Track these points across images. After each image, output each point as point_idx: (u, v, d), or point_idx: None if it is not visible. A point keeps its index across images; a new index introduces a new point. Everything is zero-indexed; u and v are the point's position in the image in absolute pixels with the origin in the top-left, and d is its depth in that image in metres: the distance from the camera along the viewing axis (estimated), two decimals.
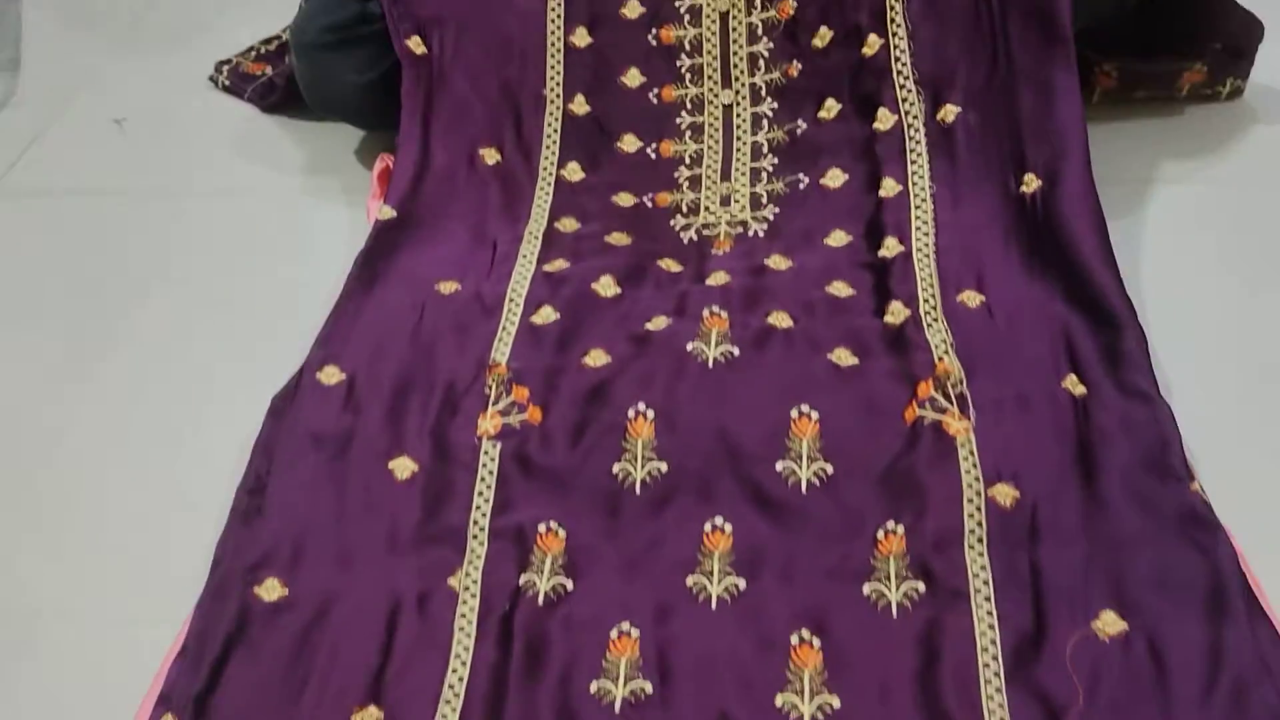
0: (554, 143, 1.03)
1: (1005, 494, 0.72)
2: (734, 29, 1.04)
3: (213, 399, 0.90)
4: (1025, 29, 0.90)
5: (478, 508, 0.76)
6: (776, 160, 0.99)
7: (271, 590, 0.72)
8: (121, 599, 0.76)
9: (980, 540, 0.70)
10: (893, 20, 0.98)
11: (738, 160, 1.00)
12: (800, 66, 1.01)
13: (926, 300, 0.85)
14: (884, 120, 0.96)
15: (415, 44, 1.03)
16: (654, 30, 1.06)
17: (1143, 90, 1.06)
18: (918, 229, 0.90)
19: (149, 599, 0.75)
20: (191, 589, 0.73)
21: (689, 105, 1.03)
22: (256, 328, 0.97)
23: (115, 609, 0.75)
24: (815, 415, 0.78)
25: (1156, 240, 0.94)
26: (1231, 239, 0.95)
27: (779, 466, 0.75)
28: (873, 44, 0.98)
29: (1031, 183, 0.87)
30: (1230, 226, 0.96)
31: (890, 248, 0.89)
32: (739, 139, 1.01)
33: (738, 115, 1.02)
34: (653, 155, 1.03)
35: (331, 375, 0.84)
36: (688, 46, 1.05)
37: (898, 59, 0.97)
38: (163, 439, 0.87)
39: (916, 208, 0.91)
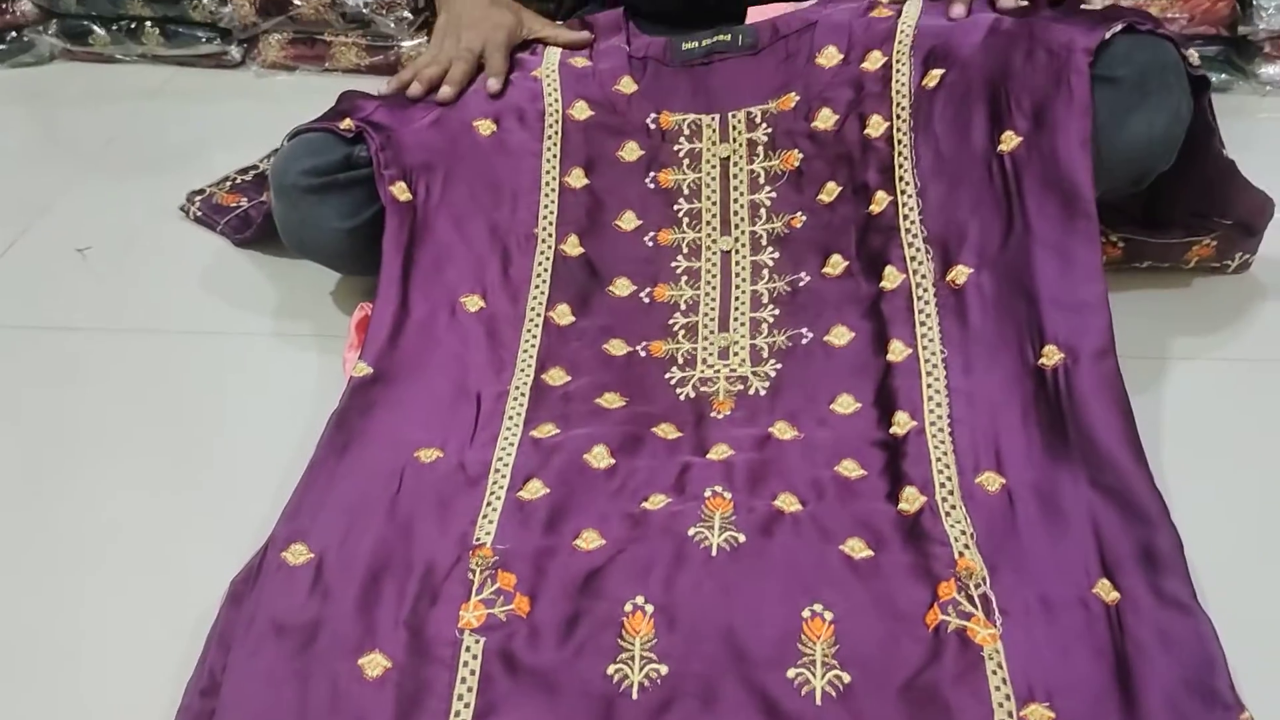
0: (544, 282, 0.98)
1: (1040, 715, 0.65)
2: (735, 175, 1.01)
3: (164, 575, 0.82)
4: (1044, 197, 0.87)
5: (457, 713, 0.68)
6: (777, 311, 0.95)
7: None
8: None
9: None
10: (901, 178, 0.94)
11: (736, 310, 0.96)
12: (805, 219, 0.98)
13: (943, 485, 0.79)
14: (891, 279, 0.92)
15: (400, 190, 0.99)
16: (652, 173, 1.02)
17: (1149, 261, 1.03)
18: (930, 399, 0.85)
19: None
20: None
21: (685, 250, 0.99)
22: (217, 492, 0.89)
23: None
24: (829, 616, 0.71)
25: (1174, 420, 0.90)
26: (1249, 419, 0.91)
27: (790, 673, 0.69)
28: (880, 201, 0.95)
29: (1053, 355, 0.83)
30: (1246, 406, 0.93)
31: (901, 423, 0.84)
32: (738, 287, 0.97)
33: (736, 263, 0.98)
34: (646, 300, 0.98)
35: (299, 554, 0.77)
36: (686, 191, 1.01)
37: (906, 217, 0.93)
38: (102, 624, 0.79)
39: (928, 374, 0.86)
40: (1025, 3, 0.97)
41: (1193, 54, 0.88)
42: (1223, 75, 1.35)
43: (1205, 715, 0.65)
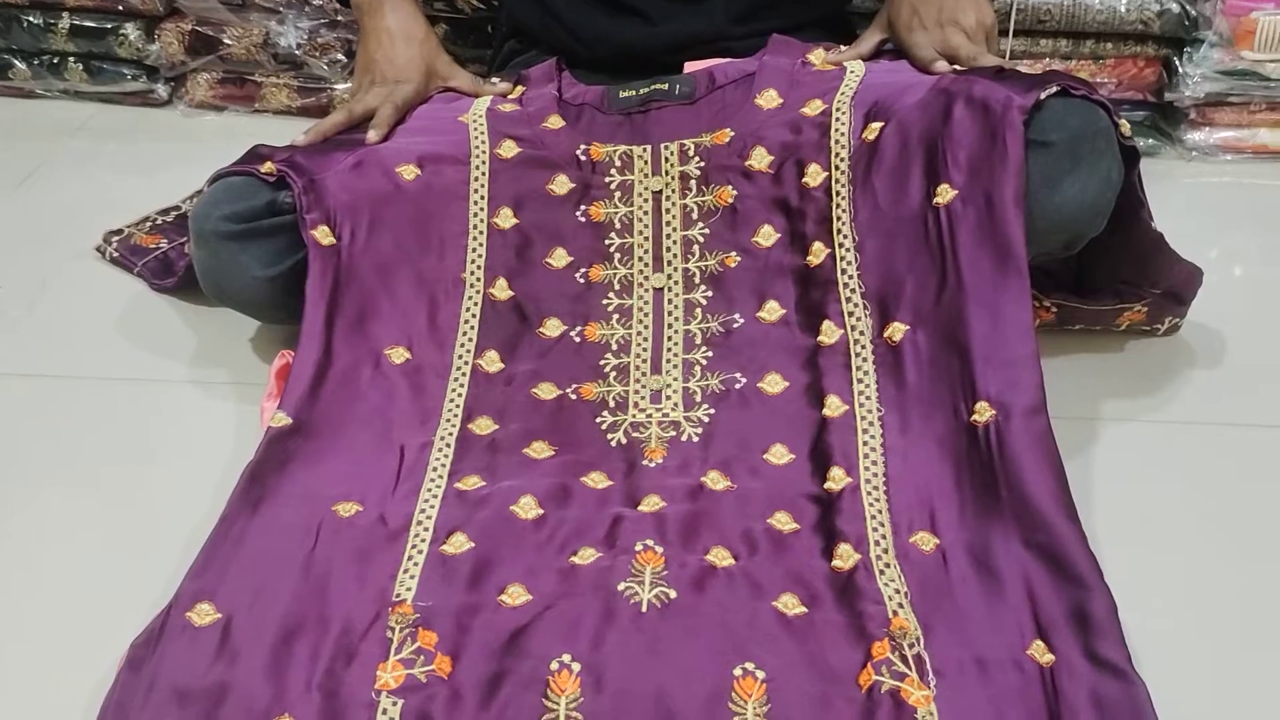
0: (472, 329, 0.96)
1: None
2: (667, 210, 1.00)
3: (58, 638, 0.78)
4: (978, 253, 0.87)
5: None
6: (710, 353, 0.93)
7: None
8: None
9: None
10: (839, 230, 0.94)
11: (669, 350, 0.94)
12: (739, 259, 0.97)
13: (878, 543, 0.78)
14: (829, 334, 0.91)
15: (323, 234, 0.96)
16: (583, 207, 1.00)
17: (1080, 324, 1.04)
18: (865, 457, 0.84)
19: None
20: None
21: (617, 286, 0.98)
22: (121, 547, 0.85)
23: None
24: (761, 675, 0.69)
25: (1107, 482, 0.90)
26: (1181, 482, 0.92)
27: None
28: (818, 253, 0.94)
29: (984, 412, 0.82)
30: (1178, 469, 0.93)
31: (837, 479, 0.82)
32: (670, 326, 0.95)
33: (669, 300, 0.96)
34: (577, 339, 0.96)
35: (205, 614, 0.73)
36: (618, 225, 1.00)
37: (844, 271, 0.93)
38: None
39: (864, 431, 0.85)
40: (959, 69, 0.99)
41: (1125, 124, 0.90)
42: (1149, 140, 1.38)
43: None
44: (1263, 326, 1.10)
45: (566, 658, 0.70)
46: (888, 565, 0.76)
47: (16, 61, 1.53)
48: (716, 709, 0.67)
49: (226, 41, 1.47)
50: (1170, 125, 1.39)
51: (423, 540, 0.79)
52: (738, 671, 0.69)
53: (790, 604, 0.74)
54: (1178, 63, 1.33)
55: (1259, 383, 1.02)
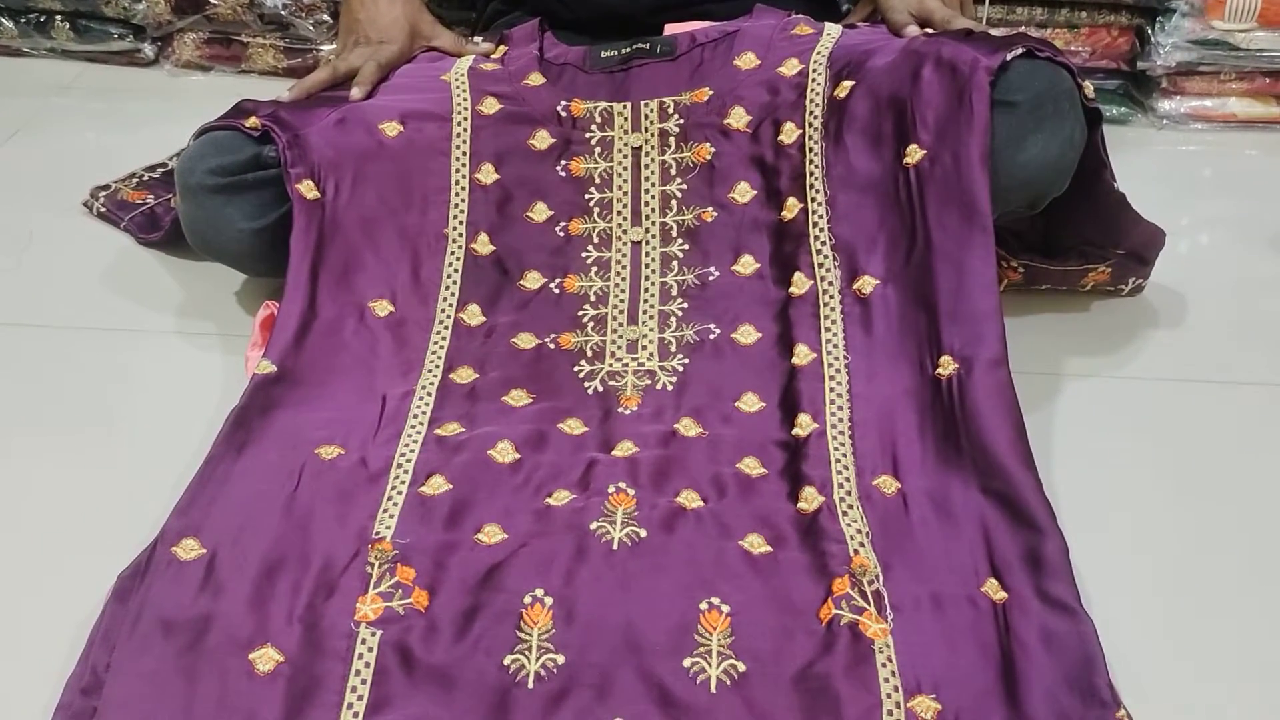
0: (454, 284, 0.98)
1: (926, 707, 0.67)
2: (646, 165, 1.02)
3: (46, 571, 0.80)
4: (944, 211, 0.89)
5: (349, 706, 0.67)
6: (686, 305, 0.96)
7: None
8: None
9: None
10: (812, 185, 0.96)
11: (645, 302, 0.96)
12: (716, 214, 0.99)
13: (841, 485, 0.80)
14: (799, 285, 0.94)
15: (307, 188, 0.98)
16: (563, 162, 1.02)
17: (1047, 284, 1.06)
18: (832, 403, 0.86)
19: None
20: None
21: (596, 240, 1.00)
22: (107, 487, 0.87)
23: None
24: (726, 609, 0.72)
25: (1067, 434, 0.93)
26: (1140, 437, 0.94)
27: (686, 662, 0.69)
28: (791, 208, 0.97)
29: (948, 365, 0.85)
30: (1138, 422, 0.96)
31: (804, 425, 0.85)
32: (647, 279, 0.98)
33: (646, 254, 0.99)
34: (556, 291, 0.98)
35: (189, 549, 0.75)
36: (597, 180, 1.02)
37: (815, 224, 0.95)
38: None
39: (831, 378, 0.88)
40: (930, 31, 1.01)
41: (1088, 86, 0.92)
42: (1122, 109, 1.41)
43: (1084, 712, 0.66)
44: (1226, 289, 1.13)
45: (539, 592, 0.73)
46: (850, 507, 0.79)
47: (4, 19, 1.54)
48: (683, 639, 0.70)
49: (213, 1, 1.48)
50: (1142, 94, 1.42)
51: (402, 482, 0.82)
52: (704, 605, 0.72)
53: (756, 543, 0.77)
54: (1150, 32, 1.36)
55: (1219, 341, 1.05)
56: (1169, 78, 1.39)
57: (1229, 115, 1.39)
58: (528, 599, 0.73)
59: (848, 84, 0.97)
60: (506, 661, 0.69)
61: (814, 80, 0.99)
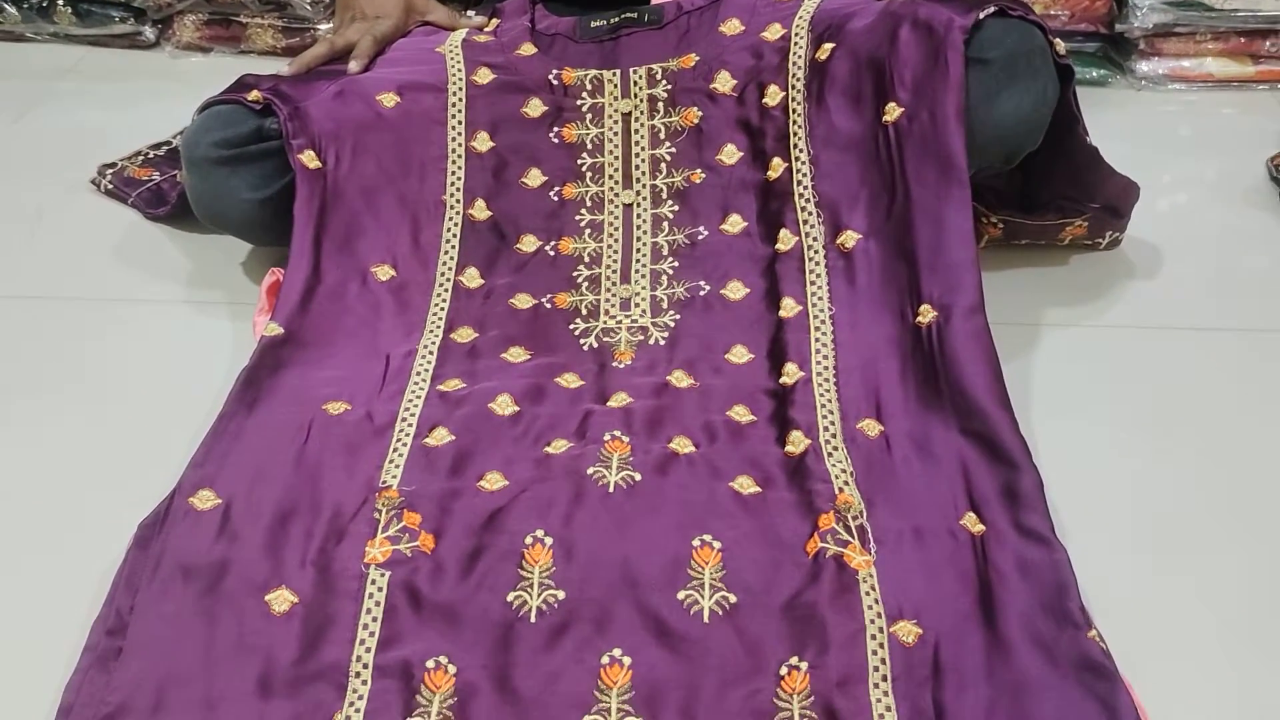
0: (453, 248, 1.01)
1: (908, 631, 0.70)
2: (636, 130, 1.05)
3: (71, 527, 0.84)
4: (922, 166, 0.93)
5: (361, 642, 0.71)
6: (677, 264, 0.99)
7: None
8: None
9: (885, 679, 0.68)
10: (796, 145, 1.00)
11: (638, 261, 1.00)
12: (704, 175, 1.02)
13: (827, 429, 0.84)
14: (785, 241, 0.97)
15: (309, 158, 1.01)
16: (556, 129, 1.06)
17: (1027, 239, 1.10)
18: (818, 352, 0.90)
19: None
20: None
21: (589, 203, 1.03)
22: (126, 446, 0.91)
23: None
24: (718, 545, 0.76)
25: (1047, 381, 0.96)
26: (1117, 382, 0.98)
27: (680, 595, 0.73)
28: (776, 167, 1.00)
29: (927, 314, 0.88)
30: (1116, 368, 1.00)
31: (790, 374, 0.89)
32: (639, 239, 1.01)
33: (638, 215, 1.02)
34: (551, 253, 1.01)
35: (206, 500, 0.79)
36: (589, 145, 1.05)
37: (800, 182, 0.99)
38: (7, 570, 0.80)
39: (816, 329, 0.92)
40: None
41: (1059, 43, 0.95)
42: (1101, 71, 1.44)
43: (1058, 633, 0.70)
44: (1203, 242, 1.16)
45: (540, 533, 0.77)
46: (835, 449, 0.83)
47: (6, 5, 1.57)
48: (677, 574, 0.74)
49: None
50: (1121, 56, 1.45)
51: (407, 435, 0.85)
52: (696, 542, 0.76)
53: (745, 484, 0.80)
54: None
55: (1196, 290, 1.09)
56: (1147, 39, 1.42)
57: (1206, 75, 1.43)
58: (529, 540, 0.76)
59: (828, 46, 1.00)
60: (510, 598, 0.73)
61: (796, 44, 1.03)
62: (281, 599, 0.73)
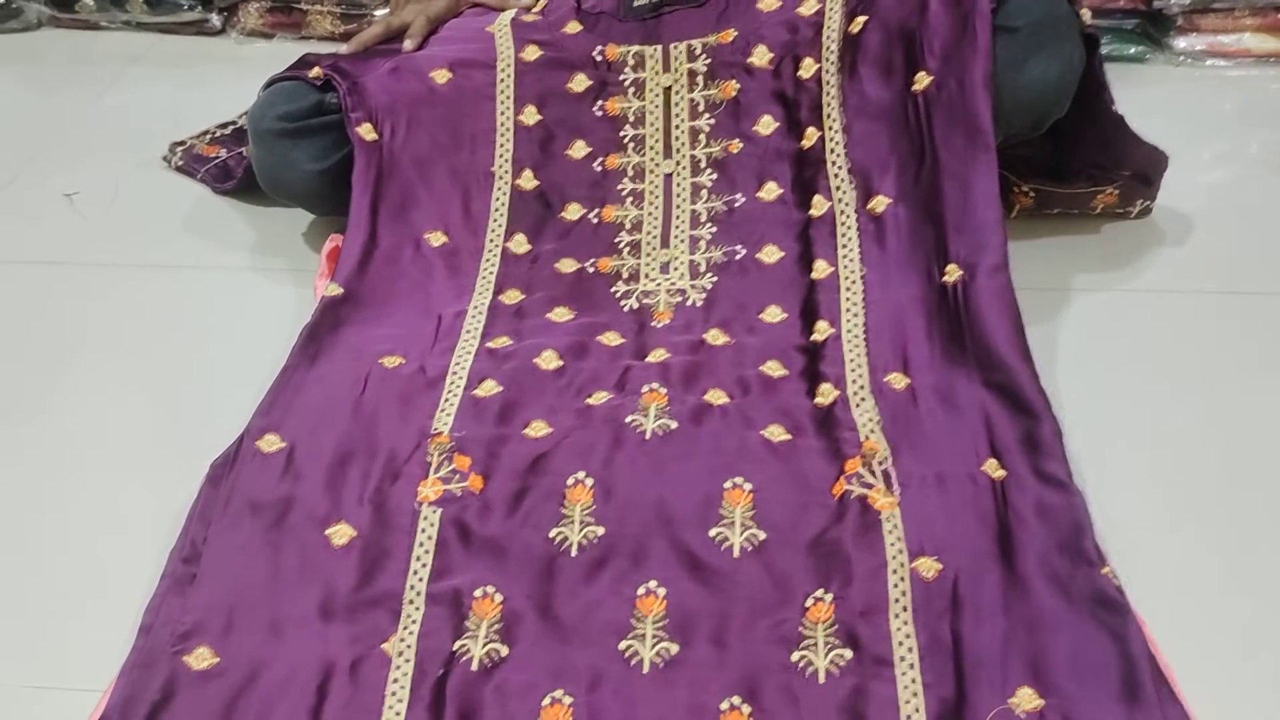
0: (502, 216, 1.07)
1: (928, 567, 0.74)
2: (676, 103, 1.10)
3: (150, 467, 0.91)
4: (950, 132, 0.96)
5: (415, 573, 0.76)
6: (714, 229, 1.03)
7: (201, 659, 0.71)
8: (41, 664, 0.75)
9: (905, 609, 0.72)
10: (829, 115, 1.03)
11: (676, 227, 1.04)
12: (741, 145, 1.07)
13: (855, 380, 0.88)
14: (818, 207, 1.01)
15: (366, 131, 1.07)
16: (600, 102, 1.11)
17: (1058, 208, 1.12)
18: (848, 310, 0.94)
19: (70, 665, 0.75)
20: (115, 656, 0.72)
21: (631, 173, 1.08)
22: (198, 398, 0.98)
23: (35, 674, 0.74)
24: (749, 487, 0.80)
25: (1071, 344, 0.99)
26: (1142, 344, 1.00)
27: (712, 532, 0.77)
28: (810, 136, 1.04)
29: (953, 273, 0.92)
30: (1142, 329, 1.02)
31: (821, 331, 0.93)
32: (678, 207, 1.05)
33: (677, 184, 1.07)
34: (595, 220, 1.06)
35: (271, 443, 0.85)
36: (631, 118, 1.10)
37: (832, 150, 1.03)
38: (96, 505, 0.87)
39: (846, 289, 0.96)
40: None
41: (1086, 12, 0.98)
42: (1140, 47, 1.45)
43: (1073, 570, 0.74)
44: (1235, 211, 1.18)
45: (581, 474, 0.82)
46: (863, 400, 0.87)
47: None
48: (709, 513, 0.79)
49: None
50: (1159, 32, 1.46)
51: (457, 386, 0.91)
52: (728, 485, 0.80)
53: (776, 433, 0.85)
54: None
55: (1226, 255, 1.10)
56: (1185, 15, 1.43)
57: (1244, 50, 1.43)
58: (570, 481, 0.81)
59: (861, 19, 1.04)
60: (552, 534, 0.78)
61: (830, 18, 1.06)
62: (341, 533, 0.79)
